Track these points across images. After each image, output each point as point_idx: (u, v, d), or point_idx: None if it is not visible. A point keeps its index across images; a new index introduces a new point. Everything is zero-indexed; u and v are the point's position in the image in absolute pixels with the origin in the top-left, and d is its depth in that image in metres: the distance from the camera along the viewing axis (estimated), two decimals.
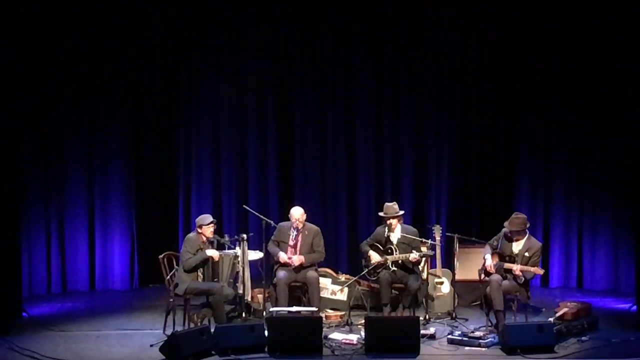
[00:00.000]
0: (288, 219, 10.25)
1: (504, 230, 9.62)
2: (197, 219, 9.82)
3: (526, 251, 9.45)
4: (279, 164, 12.52)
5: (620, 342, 9.05)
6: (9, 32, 10.43)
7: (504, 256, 9.52)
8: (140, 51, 12.17)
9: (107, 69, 11.99)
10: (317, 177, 12.51)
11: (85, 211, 12.11)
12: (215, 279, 9.63)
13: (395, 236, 10.03)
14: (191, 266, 9.45)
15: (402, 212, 10.12)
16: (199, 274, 9.55)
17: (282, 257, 10.02)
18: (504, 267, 9.45)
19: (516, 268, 9.34)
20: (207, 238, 9.69)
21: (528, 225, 9.58)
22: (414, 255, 9.81)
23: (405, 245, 9.96)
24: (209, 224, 9.63)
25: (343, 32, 12.29)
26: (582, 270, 12.07)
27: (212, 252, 9.61)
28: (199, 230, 9.62)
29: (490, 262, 9.51)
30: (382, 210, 10.14)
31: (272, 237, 10.22)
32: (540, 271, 9.44)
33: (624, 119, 11.33)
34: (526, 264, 9.37)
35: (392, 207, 10.08)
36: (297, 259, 10.00)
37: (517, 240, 9.50)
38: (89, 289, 12.12)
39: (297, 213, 10.14)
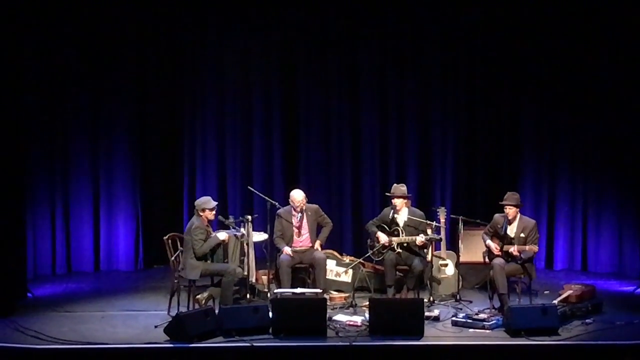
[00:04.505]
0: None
1: (496, 215, 9.66)
2: (197, 202, 9.71)
3: (522, 231, 9.52)
4: (284, 145, 12.51)
5: (625, 325, 9.06)
6: (16, 21, 10.42)
7: (503, 240, 9.56)
8: (147, 32, 12.13)
9: (112, 51, 11.98)
10: (322, 159, 12.50)
11: (90, 192, 12.13)
12: (226, 260, 9.65)
13: (401, 218, 10.04)
14: (205, 252, 9.46)
15: (409, 195, 10.13)
16: (208, 256, 9.55)
17: (287, 250, 10.05)
18: (504, 249, 9.51)
19: (513, 250, 9.38)
20: (210, 220, 9.68)
21: (521, 205, 9.65)
22: (420, 239, 9.82)
23: (412, 228, 9.97)
24: (213, 207, 9.62)
25: (349, 11, 12.23)
26: (587, 253, 12.09)
27: (224, 235, 9.62)
28: (201, 214, 9.58)
29: (494, 245, 9.55)
30: (387, 193, 10.16)
31: (275, 230, 10.21)
32: (534, 248, 9.46)
33: (629, 102, 11.31)
34: (524, 244, 9.42)
35: (399, 187, 10.09)
36: (318, 246, 10.17)
37: (510, 222, 9.55)
38: (94, 270, 12.16)
39: (300, 196, 10.17)
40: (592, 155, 11.96)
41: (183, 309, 9.30)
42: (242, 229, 9.93)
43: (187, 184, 12.47)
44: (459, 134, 12.38)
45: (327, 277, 10.28)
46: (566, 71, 11.92)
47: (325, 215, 10.38)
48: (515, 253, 9.39)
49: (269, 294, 9.93)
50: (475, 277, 10.74)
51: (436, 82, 12.34)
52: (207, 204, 9.61)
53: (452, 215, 10.68)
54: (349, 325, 8.96)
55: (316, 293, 9.54)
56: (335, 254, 10.75)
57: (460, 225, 10.32)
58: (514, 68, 12.16)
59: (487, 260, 9.70)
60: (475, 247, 10.33)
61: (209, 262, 9.54)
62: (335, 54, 12.37)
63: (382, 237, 10.03)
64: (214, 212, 9.64)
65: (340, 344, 8.43)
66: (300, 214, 10.18)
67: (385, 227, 10.08)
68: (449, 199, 12.29)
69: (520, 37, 12.03)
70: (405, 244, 9.92)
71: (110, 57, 11.99)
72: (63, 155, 11.96)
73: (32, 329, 8.90)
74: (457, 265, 10.43)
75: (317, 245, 10.20)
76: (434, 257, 10.31)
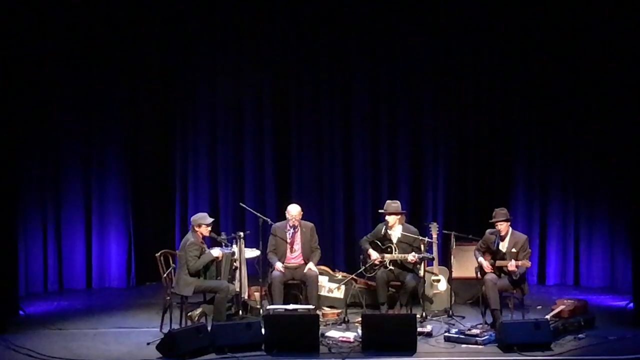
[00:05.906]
0: (284, 217, 10.25)
1: (488, 231, 9.69)
2: (194, 218, 9.74)
3: (513, 247, 9.53)
4: (276, 161, 12.51)
5: (617, 340, 9.06)
6: (8, 29, 10.42)
7: (495, 256, 9.58)
8: (138, 49, 12.14)
9: (104, 66, 11.97)
10: (314, 175, 12.50)
11: (82, 209, 12.10)
12: (219, 277, 9.64)
13: (395, 235, 10.04)
14: (198, 269, 9.45)
15: (403, 212, 10.13)
16: (200, 273, 9.54)
17: (279, 266, 10.01)
18: (497, 265, 9.52)
19: (511, 264, 9.38)
20: (204, 237, 9.68)
21: (511, 218, 9.67)
22: (412, 257, 9.82)
23: (406, 245, 9.97)
24: (209, 223, 9.62)
25: (340, 29, 12.26)
26: (579, 268, 12.09)
27: (218, 252, 9.62)
28: (197, 229, 9.59)
29: (486, 263, 9.56)
30: (380, 208, 10.16)
31: (269, 245, 10.20)
32: (527, 264, 9.47)
33: (620, 117, 11.35)
34: (516, 259, 9.42)
35: (391, 204, 10.09)
36: (312, 266, 10.12)
37: (502, 238, 9.57)
38: (86, 287, 12.12)
39: (295, 211, 10.15)
40: (584, 169, 11.98)
41: (175, 326, 9.27)
42: (233, 246, 9.93)
43: (178, 201, 12.46)
44: (450, 149, 12.39)
45: (319, 293, 10.27)
46: (558, 89, 11.95)
47: (317, 238, 10.32)
48: (513, 268, 9.36)
49: (261, 311, 9.92)
50: (467, 293, 10.73)
51: (428, 98, 12.34)
52: (203, 220, 9.63)
53: (444, 231, 10.69)
54: (342, 341, 8.95)
55: (308, 309, 9.52)
56: (328, 269, 10.74)
57: (453, 241, 10.33)
58: (506, 85, 12.19)
59: (479, 275, 9.71)
60: (467, 263, 10.33)
61: (202, 278, 9.53)
62: (329, 68, 12.39)
63: (374, 255, 10.03)
64: (209, 228, 9.65)
65: None
66: (293, 230, 10.17)
67: (379, 243, 10.08)
68: (440, 215, 12.29)
69: (511, 54, 12.06)
70: (398, 261, 9.93)
71: (102, 76, 11.97)
72: (55, 173, 11.94)
73: (24, 346, 8.87)
74: (450, 280, 10.43)
75: (312, 265, 10.18)
76: (426, 273, 10.30)
